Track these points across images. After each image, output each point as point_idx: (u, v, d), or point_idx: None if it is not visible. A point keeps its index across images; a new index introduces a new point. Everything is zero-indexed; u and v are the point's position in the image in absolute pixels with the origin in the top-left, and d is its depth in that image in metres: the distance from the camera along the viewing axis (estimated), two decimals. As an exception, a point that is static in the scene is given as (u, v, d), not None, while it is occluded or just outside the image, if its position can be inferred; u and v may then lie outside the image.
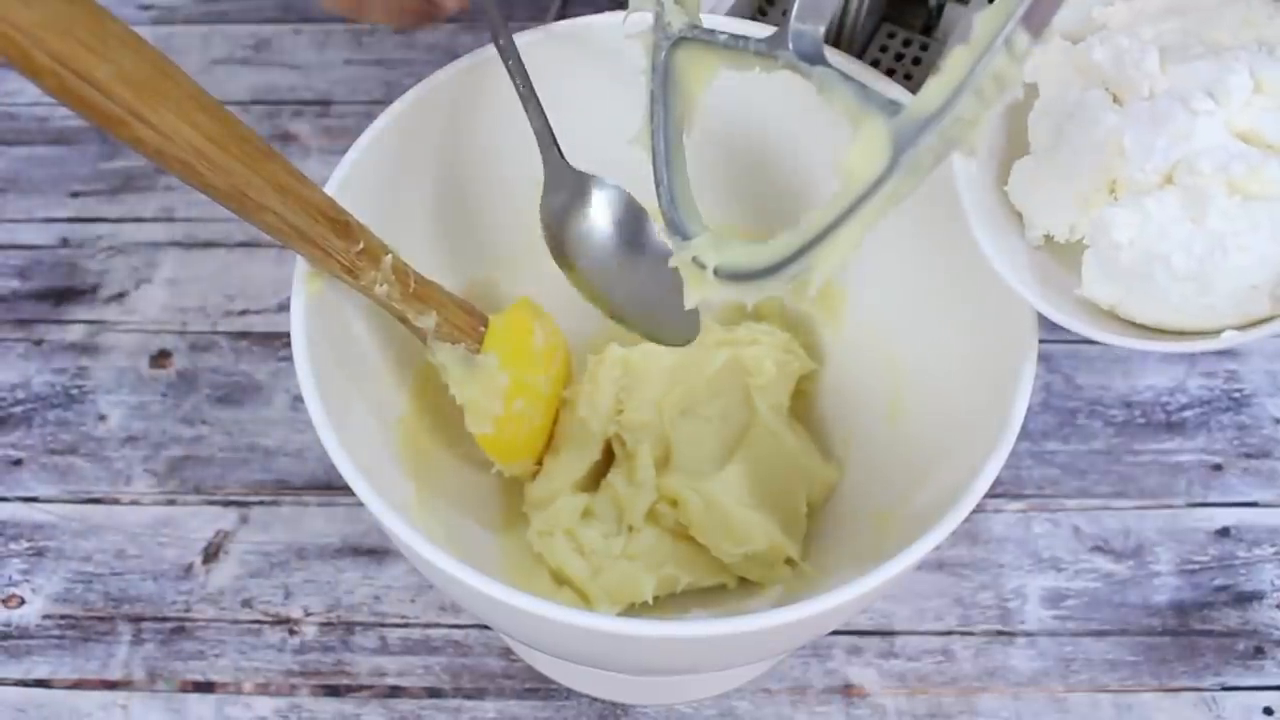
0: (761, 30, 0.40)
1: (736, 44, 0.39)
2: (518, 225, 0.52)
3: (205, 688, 0.52)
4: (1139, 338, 0.39)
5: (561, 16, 0.50)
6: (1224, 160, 0.36)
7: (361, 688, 0.52)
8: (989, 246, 0.41)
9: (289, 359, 0.41)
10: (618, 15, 0.44)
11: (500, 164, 0.50)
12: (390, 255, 0.42)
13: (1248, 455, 0.58)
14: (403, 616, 0.53)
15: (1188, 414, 0.59)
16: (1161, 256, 0.37)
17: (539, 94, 0.48)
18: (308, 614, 0.53)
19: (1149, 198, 0.37)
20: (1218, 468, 0.57)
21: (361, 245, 0.41)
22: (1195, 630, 0.53)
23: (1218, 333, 0.37)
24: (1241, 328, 0.37)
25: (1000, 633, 0.53)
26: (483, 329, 0.47)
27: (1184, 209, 0.37)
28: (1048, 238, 0.41)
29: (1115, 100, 0.40)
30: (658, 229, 0.44)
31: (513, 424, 0.48)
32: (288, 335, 0.41)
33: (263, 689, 0.52)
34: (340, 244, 0.41)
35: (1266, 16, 0.39)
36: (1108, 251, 0.38)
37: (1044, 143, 0.41)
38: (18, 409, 0.59)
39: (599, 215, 0.46)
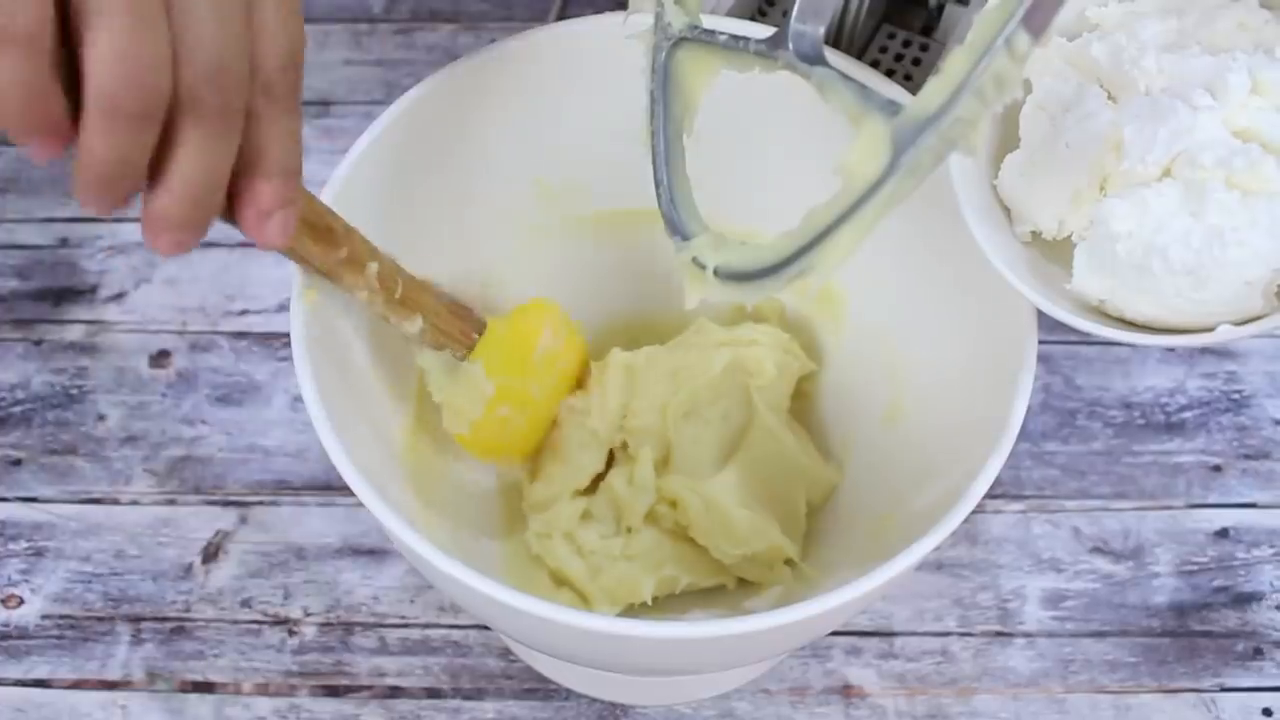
0: (761, 31, 0.40)
1: (736, 44, 0.39)
2: (520, 224, 0.53)
3: (205, 688, 0.52)
4: (1135, 332, 0.39)
5: (562, 17, 0.50)
6: (1225, 155, 0.36)
7: (361, 688, 0.52)
8: (984, 241, 0.41)
9: (289, 359, 0.41)
10: (618, 16, 0.44)
11: (501, 163, 0.50)
12: (376, 263, 0.41)
13: (1247, 456, 0.58)
14: (402, 617, 0.53)
15: (1187, 415, 0.59)
16: (1159, 249, 0.37)
17: (542, 95, 0.49)
18: (307, 614, 0.53)
19: (1148, 190, 0.37)
20: (1217, 469, 0.57)
21: (345, 252, 0.40)
22: (1194, 631, 0.53)
23: (1211, 329, 0.37)
24: (1234, 324, 0.37)
25: (1000, 633, 0.53)
26: (475, 336, 0.47)
27: (1183, 202, 0.37)
28: (1035, 234, 0.41)
29: (1110, 98, 0.40)
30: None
31: (492, 427, 0.48)
32: (287, 335, 0.41)
33: (262, 689, 0.52)
34: (317, 249, 0.39)
35: (1262, 21, 0.40)
36: (1104, 243, 0.38)
37: (1038, 137, 0.41)
38: (17, 409, 0.59)
39: None
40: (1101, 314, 0.40)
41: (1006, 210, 0.42)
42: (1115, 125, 0.38)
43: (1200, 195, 0.36)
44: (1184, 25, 0.40)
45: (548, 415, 0.51)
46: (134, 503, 0.57)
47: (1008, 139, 0.43)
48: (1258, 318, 0.37)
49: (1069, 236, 0.40)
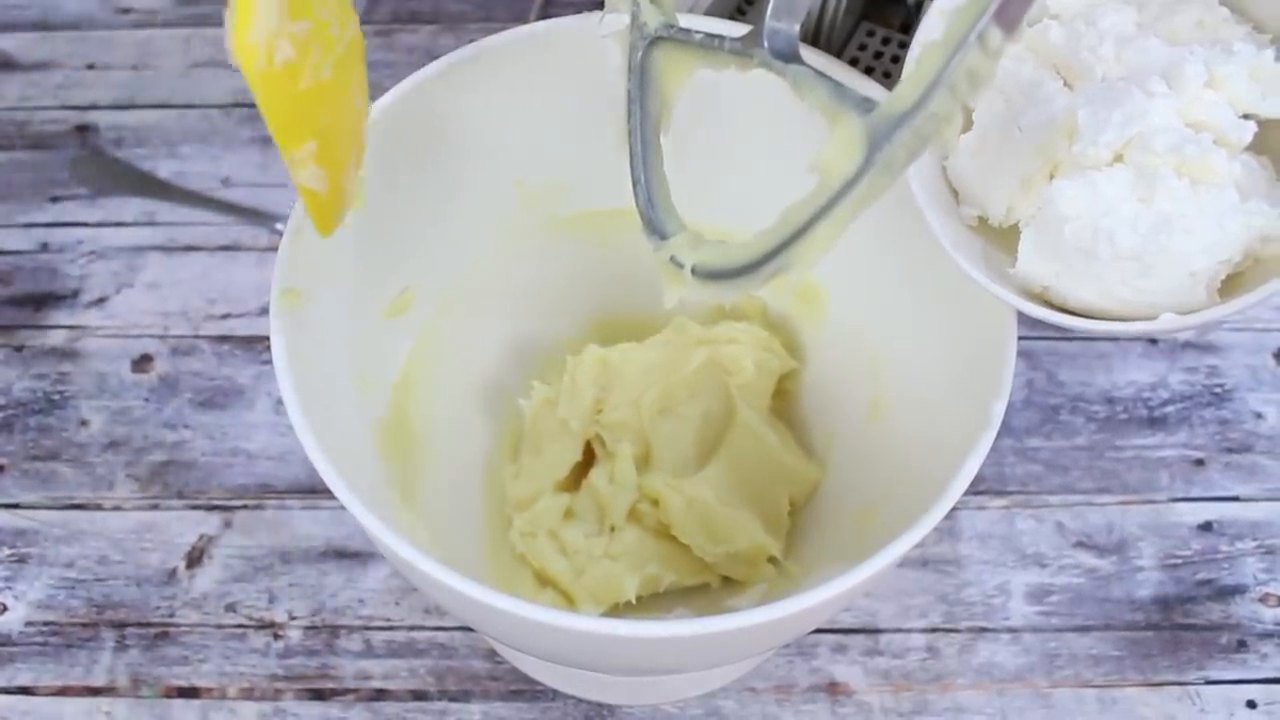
0: (737, 29, 0.40)
1: (712, 43, 0.39)
2: (500, 224, 0.53)
3: (190, 693, 0.51)
4: (1079, 320, 0.38)
5: (543, 18, 0.50)
6: (1177, 141, 0.36)
7: (346, 691, 0.51)
8: (934, 223, 0.41)
9: (271, 362, 0.41)
10: (598, 15, 0.44)
11: (481, 163, 0.50)
12: None
13: (1229, 450, 0.58)
14: (387, 619, 0.53)
15: (1169, 409, 0.59)
16: (1107, 232, 0.37)
17: (521, 95, 0.48)
18: (292, 618, 0.53)
19: (1099, 173, 0.37)
20: (1200, 463, 0.57)
21: None
22: (1178, 625, 0.53)
23: (1153, 319, 0.37)
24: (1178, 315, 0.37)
25: (984, 629, 0.53)
26: None
27: (1133, 187, 0.37)
28: (981, 219, 0.41)
29: (1066, 84, 0.40)
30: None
31: (296, 60, 0.33)
32: (269, 338, 0.41)
33: (247, 694, 0.51)
34: None
35: (1220, 19, 0.40)
36: (1052, 224, 0.38)
37: (991, 120, 0.41)
38: (-1, 415, 0.59)
39: None
40: (1044, 303, 0.40)
41: (955, 193, 0.42)
42: (1070, 111, 0.38)
43: (1151, 181, 0.36)
44: (1143, 18, 0.40)
45: (346, 95, 0.37)
46: (117, 508, 0.56)
47: (963, 121, 0.42)
48: (1200, 309, 0.37)
49: (1015, 225, 0.40)
